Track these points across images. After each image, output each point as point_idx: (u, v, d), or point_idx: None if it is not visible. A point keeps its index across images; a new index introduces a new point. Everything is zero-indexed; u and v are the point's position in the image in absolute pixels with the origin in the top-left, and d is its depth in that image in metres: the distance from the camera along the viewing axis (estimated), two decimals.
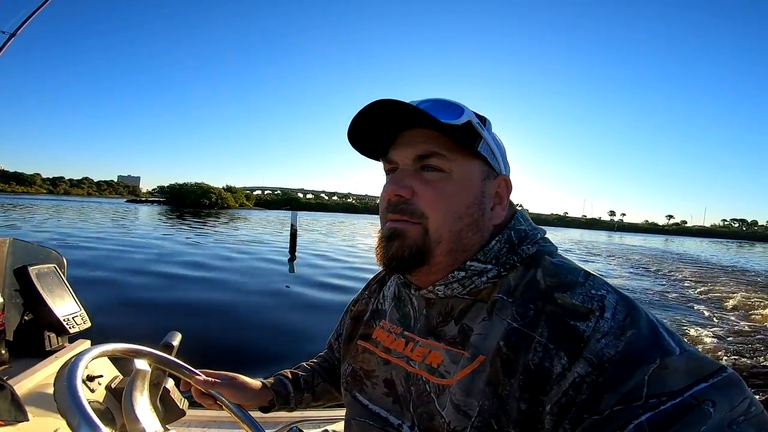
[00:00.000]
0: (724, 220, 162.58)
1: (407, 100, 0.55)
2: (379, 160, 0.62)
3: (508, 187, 0.59)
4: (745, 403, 0.39)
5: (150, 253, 10.57)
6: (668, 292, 10.50)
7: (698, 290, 10.84)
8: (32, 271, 1.07)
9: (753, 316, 7.64)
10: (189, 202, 61.37)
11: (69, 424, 0.45)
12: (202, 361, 0.79)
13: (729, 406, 0.38)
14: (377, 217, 0.60)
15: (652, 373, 0.40)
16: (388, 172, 0.60)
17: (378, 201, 0.61)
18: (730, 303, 8.85)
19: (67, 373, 0.51)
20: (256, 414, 0.78)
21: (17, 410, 0.79)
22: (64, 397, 0.48)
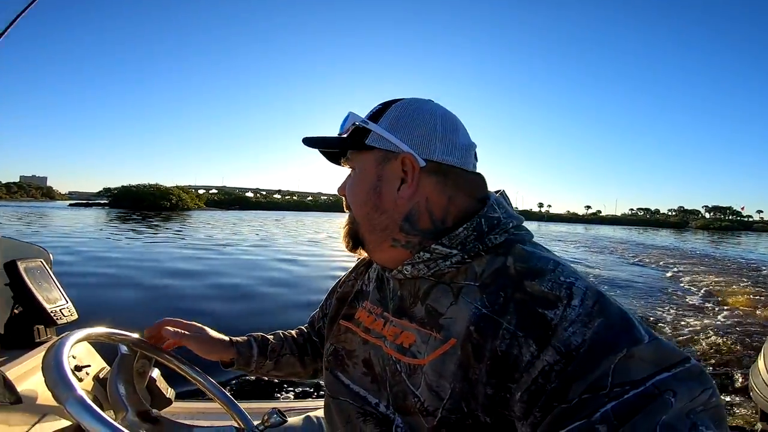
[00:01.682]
0: (632, 209, 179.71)
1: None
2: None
3: (413, 164, 0.58)
4: (706, 394, 0.40)
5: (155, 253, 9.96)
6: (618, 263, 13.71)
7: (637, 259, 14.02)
8: (21, 265, 1.11)
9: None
10: (147, 205, 55.87)
11: (57, 398, 0.47)
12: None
13: (689, 397, 0.39)
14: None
15: (618, 362, 0.41)
16: None
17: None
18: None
19: (54, 351, 0.53)
20: (246, 405, 0.82)
21: (11, 393, 0.83)
22: (51, 373, 0.49)
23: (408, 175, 0.58)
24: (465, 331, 0.50)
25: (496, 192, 0.63)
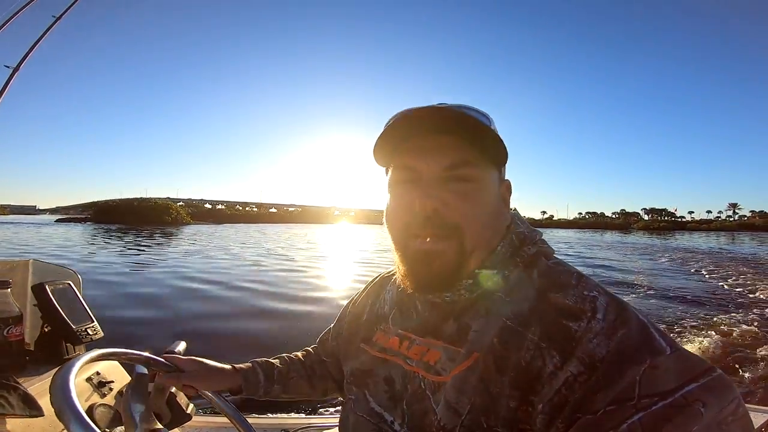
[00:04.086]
0: (580, 213, 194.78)
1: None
2: (383, 166, 0.62)
3: (509, 190, 0.59)
4: (734, 404, 0.40)
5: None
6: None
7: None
8: (49, 287, 1.15)
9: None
10: (150, 220, 54.99)
11: (61, 420, 0.47)
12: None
13: (719, 407, 0.39)
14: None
15: (644, 373, 0.40)
16: (400, 181, 0.57)
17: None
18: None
19: (61, 374, 0.53)
20: (256, 421, 0.86)
21: (32, 406, 0.86)
22: (57, 396, 0.49)
23: (507, 201, 0.60)
24: (489, 343, 0.50)
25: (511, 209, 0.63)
